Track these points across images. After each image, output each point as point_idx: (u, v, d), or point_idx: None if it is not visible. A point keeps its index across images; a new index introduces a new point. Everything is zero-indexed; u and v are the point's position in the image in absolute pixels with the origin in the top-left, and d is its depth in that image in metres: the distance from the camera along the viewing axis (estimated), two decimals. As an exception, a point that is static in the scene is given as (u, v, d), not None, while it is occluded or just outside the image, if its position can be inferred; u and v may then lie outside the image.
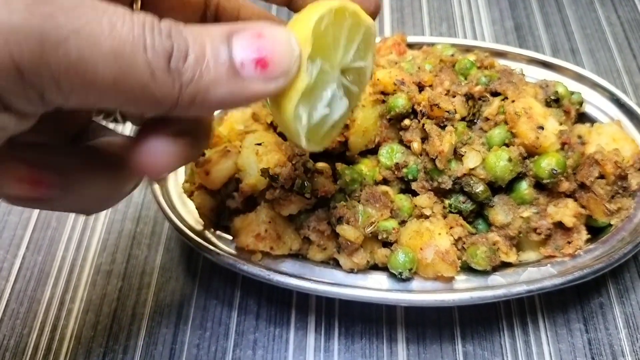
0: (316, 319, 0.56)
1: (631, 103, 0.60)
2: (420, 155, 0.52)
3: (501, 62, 0.63)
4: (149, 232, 0.63)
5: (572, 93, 0.60)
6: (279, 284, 0.51)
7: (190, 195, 0.57)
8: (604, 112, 0.62)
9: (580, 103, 0.60)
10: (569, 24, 0.79)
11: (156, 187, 0.57)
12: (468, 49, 0.66)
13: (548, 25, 0.79)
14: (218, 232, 0.56)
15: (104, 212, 0.64)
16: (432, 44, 0.65)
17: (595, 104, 0.62)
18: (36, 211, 0.65)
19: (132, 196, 0.66)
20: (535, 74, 0.64)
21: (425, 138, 0.52)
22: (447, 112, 0.51)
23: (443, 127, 0.51)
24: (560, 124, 0.54)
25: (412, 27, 0.81)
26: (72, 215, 0.65)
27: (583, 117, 0.62)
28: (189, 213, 0.57)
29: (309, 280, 0.51)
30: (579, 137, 0.58)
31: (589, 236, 0.53)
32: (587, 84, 0.63)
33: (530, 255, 0.53)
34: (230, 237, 0.55)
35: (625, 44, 0.77)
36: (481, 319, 0.55)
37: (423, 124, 0.51)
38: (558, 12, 0.81)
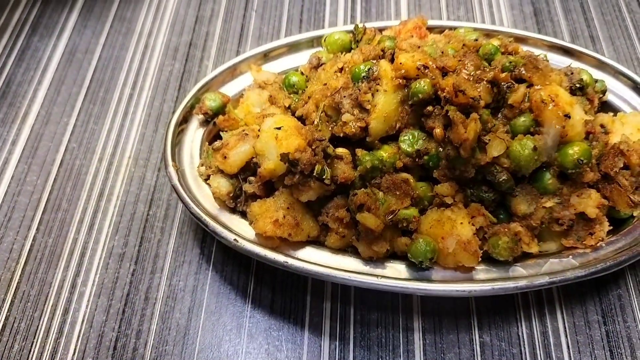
0: (332, 306, 0.55)
1: (656, 93, 0.59)
2: (443, 142, 0.51)
3: (523, 48, 0.62)
4: (162, 215, 0.62)
5: (596, 81, 0.59)
6: (297, 271, 0.50)
7: (206, 179, 0.56)
8: (626, 101, 0.61)
9: (604, 92, 0.59)
10: (588, 10, 0.78)
11: (171, 169, 0.56)
12: (488, 34, 0.64)
13: (568, 11, 0.78)
14: (235, 217, 0.55)
15: (116, 193, 0.63)
16: (453, 28, 0.64)
17: (617, 92, 0.61)
18: (46, 192, 0.64)
19: (145, 178, 0.65)
20: (555, 60, 0.63)
21: (447, 125, 0.51)
22: (472, 98, 0.49)
23: (467, 114, 0.50)
24: (585, 112, 0.53)
25: (429, 10, 0.79)
26: (83, 197, 0.64)
27: (605, 106, 0.61)
28: (205, 197, 0.56)
29: (327, 267, 0.50)
30: (602, 126, 0.57)
31: (611, 227, 0.52)
32: (609, 72, 0.62)
33: (550, 245, 0.53)
34: (246, 222, 0.54)
35: (646, 31, 0.75)
36: (498, 310, 0.54)
37: (447, 111, 0.50)
38: (578, -2, 0.79)
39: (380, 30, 0.64)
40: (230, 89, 0.64)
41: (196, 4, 0.82)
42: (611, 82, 0.61)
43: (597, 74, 0.61)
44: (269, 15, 0.80)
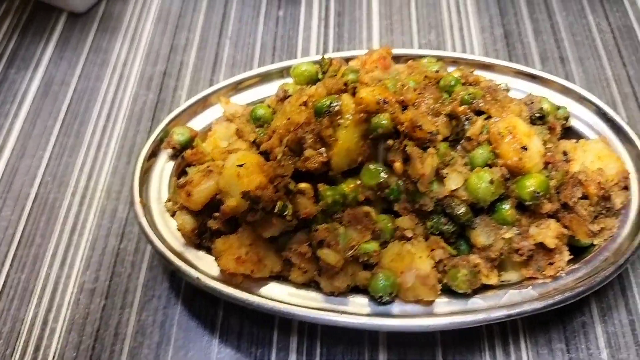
0: (298, 339, 0.56)
1: (618, 118, 0.60)
2: (403, 176, 0.51)
3: (488, 75, 0.62)
4: (132, 249, 0.63)
5: (558, 108, 0.60)
6: (258, 308, 0.51)
7: (172, 214, 0.57)
8: (590, 126, 0.61)
9: (566, 118, 0.60)
10: (559, 31, 0.78)
11: (138, 206, 0.56)
12: (455, 61, 0.65)
13: (538, 33, 0.78)
14: (200, 253, 0.55)
15: (88, 227, 0.64)
16: (419, 57, 0.64)
17: (582, 117, 0.62)
18: (20, 226, 0.65)
19: (117, 211, 0.65)
20: (522, 86, 0.63)
21: (407, 159, 0.51)
22: (430, 133, 0.50)
23: (425, 148, 0.51)
24: (545, 141, 0.54)
25: (400, 34, 0.80)
26: (56, 231, 0.64)
27: (570, 132, 0.61)
28: (172, 233, 0.56)
29: (289, 304, 0.51)
30: (565, 153, 0.57)
31: (571, 257, 0.53)
32: (574, 97, 0.62)
33: (512, 275, 0.53)
34: (212, 258, 0.54)
35: (615, 51, 0.76)
36: (463, 340, 0.55)
37: (405, 145, 0.50)
38: (548, 19, 0.80)
39: (347, 60, 0.65)
40: (200, 121, 0.65)
41: (171, 34, 0.83)
42: (576, 108, 0.62)
43: (562, 100, 0.62)
44: (243, 43, 0.81)
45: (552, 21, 0.80)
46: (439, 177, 0.51)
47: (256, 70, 0.67)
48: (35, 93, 0.77)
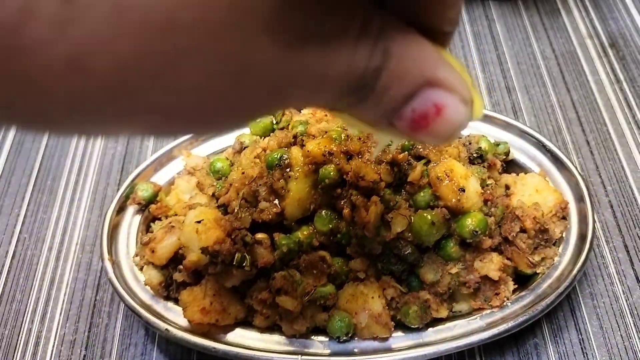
0: (267, 379, 0.59)
1: (556, 149, 0.63)
2: (351, 222, 0.55)
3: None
4: (108, 299, 0.66)
5: (498, 144, 0.63)
6: (225, 356, 0.54)
7: (141, 268, 0.60)
8: (532, 158, 0.65)
9: (507, 153, 0.64)
10: (505, 61, 0.82)
11: (107, 263, 0.60)
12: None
13: (485, 64, 0.82)
14: (169, 304, 0.59)
15: (65, 281, 0.67)
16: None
17: (524, 150, 0.65)
18: (1, 284, 0.68)
19: (91, 263, 0.69)
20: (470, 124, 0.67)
21: (355, 206, 0.55)
22: (372, 182, 0.54)
23: (370, 196, 0.54)
24: (484, 179, 0.58)
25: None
26: (35, 287, 0.67)
27: (513, 164, 0.65)
28: (141, 286, 0.60)
29: (254, 349, 0.54)
30: (507, 187, 0.61)
31: (516, 286, 0.56)
32: (515, 132, 0.66)
33: (463, 306, 0.57)
34: (180, 309, 0.58)
35: (560, 77, 0.80)
36: (422, 368, 0.58)
37: (351, 194, 0.54)
38: (494, 49, 0.84)
39: (300, 109, 0.68)
40: (164, 175, 0.68)
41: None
42: (517, 142, 0.65)
43: (504, 135, 0.66)
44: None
45: (498, 51, 0.84)
46: (385, 222, 0.54)
47: (217, 120, 0.70)
48: (8, 152, 0.80)
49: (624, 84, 0.78)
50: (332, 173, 0.55)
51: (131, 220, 0.65)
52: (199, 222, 0.55)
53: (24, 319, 0.65)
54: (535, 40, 0.85)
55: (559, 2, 0.89)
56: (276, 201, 0.56)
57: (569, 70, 0.81)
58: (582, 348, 0.59)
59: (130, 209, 0.65)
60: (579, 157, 0.72)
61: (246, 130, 0.68)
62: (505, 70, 0.81)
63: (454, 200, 0.54)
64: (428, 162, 0.57)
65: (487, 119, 0.67)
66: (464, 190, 0.54)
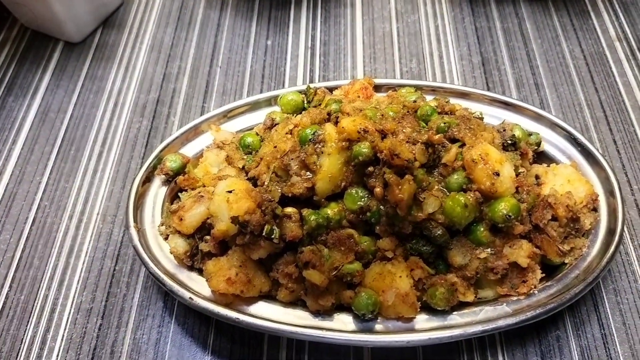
0: (287, 354, 0.58)
1: (587, 143, 0.63)
2: (382, 201, 0.55)
3: (464, 103, 0.66)
4: (127, 270, 0.65)
5: (530, 134, 0.63)
6: (248, 327, 0.54)
7: (165, 237, 0.60)
8: (562, 151, 0.64)
9: (538, 144, 0.63)
10: (534, 58, 0.82)
11: (132, 230, 0.59)
12: (433, 90, 0.68)
13: (514, 60, 0.82)
14: (193, 274, 0.58)
15: (85, 249, 0.67)
16: (399, 86, 0.68)
17: (554, 143, 0.65)
18: (19, 250, 0.68)
19: (112, 234, 0.68)
20: (497, 113, 0.67)
21: (387, 184, 0.54)
22: (407, 160, 0.53)
23: (404, 174, 0.54)
24: (517, 166, 0.57)
25: (383, 62, 0.83)
26: (54, 254, 0.67)
27: (543, 156, 0.65)
28: (165, 255, 0.59)
29: (277, 322, 0.54)
30: (537, 177, 0.61)
31: (543, 275, 0.56)
32: (546, 124, 0.66)
33: (488, 292, 0.56)
34: (204, 279, 0.57)
35: (588, 77, 0.80)
36: (444, 353, 0.58)
37: (384, 172, 0.54)
38: (524, 47, 0.84)
39: (331, 89, 0.68)
40: (192, 148, 0.68)
41: (164, 62, 0.86)
42: (548, 134, 0.65)
43: (535, 126, 0.66)
44: (233, 72, 0.84)
45: (527, 49, 0.84)
46: (417, 202, 0.54)
47: (245, 99, 0.70)
48: (32, 120, 0.80)
49: (652, 88, 0.79)
50: (366, 150, 0.54)
51: (157, 191, 0.64)
52: (229, 192, 0.54)
53: (41, 285, 0.65)
54: (564, 40, 0.84)
55: (589, 4, 0.89)
56: (308, 173, 0.56)
57: (597, 70, 0.81)
58: (604, 343, 0.59)
59: (157, 180, 0.65)
60: (606, 155, 0.71)
61: (277, 109, 0.68)
62: (534, 67, 0.81)
63: (488, 183, 0.54)
64: (463, 145, 0.56)
65: (517, 108, 0.67)
66: (498, 175, 0.54)
